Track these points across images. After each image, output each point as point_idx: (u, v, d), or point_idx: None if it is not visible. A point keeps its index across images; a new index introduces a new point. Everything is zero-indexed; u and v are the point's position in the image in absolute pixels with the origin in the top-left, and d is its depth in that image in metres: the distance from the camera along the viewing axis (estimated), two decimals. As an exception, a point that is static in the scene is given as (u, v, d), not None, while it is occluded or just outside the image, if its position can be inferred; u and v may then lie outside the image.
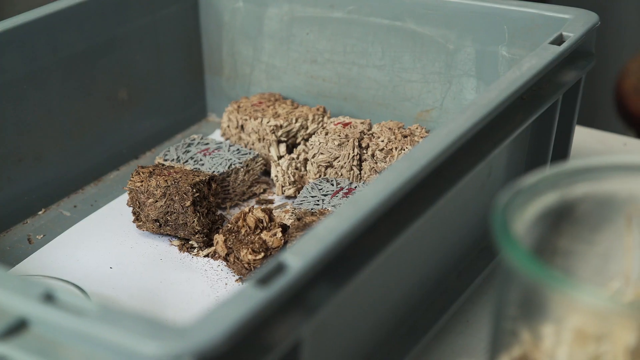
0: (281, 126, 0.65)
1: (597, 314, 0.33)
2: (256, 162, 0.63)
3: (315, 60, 0.68)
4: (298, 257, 0.36)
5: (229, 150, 0.64)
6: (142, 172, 0.59)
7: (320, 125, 0.65)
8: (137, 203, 0.58)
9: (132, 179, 0.58)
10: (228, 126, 0.67)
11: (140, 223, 0.58)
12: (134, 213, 0.58)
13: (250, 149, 0.66)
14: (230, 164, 0.62)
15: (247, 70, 0.71)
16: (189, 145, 0.65)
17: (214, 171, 0.61)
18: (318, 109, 0.66)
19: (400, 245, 0.42)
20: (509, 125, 0.49)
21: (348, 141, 0.60)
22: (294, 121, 0.65)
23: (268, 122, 0.64)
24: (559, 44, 0.53)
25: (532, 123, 0.54)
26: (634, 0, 1.41)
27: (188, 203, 0.56)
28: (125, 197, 0.62)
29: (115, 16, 0.65)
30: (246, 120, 0.65)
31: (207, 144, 0.65)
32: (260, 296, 0.35)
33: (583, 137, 0.72)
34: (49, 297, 0.35)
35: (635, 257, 0.37)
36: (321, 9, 0.66)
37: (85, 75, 0.64)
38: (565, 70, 0.55)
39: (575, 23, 0.56)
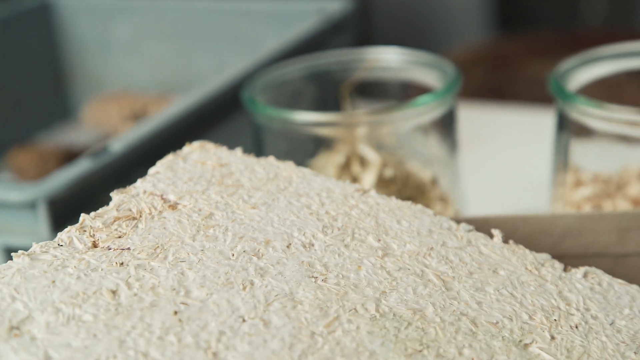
0: (132, 109, 0.82)
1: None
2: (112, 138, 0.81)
3: (156, 59, 0.86)
4: (119, 143, 0.54)
5: (89, 134, 0.81)
6: (25, 150, 0.75)
7: (162, 104, 0.83)
8: (20, 171, 0.74)
9: (14, 155, 0.75)
10: (89, 117, 0.84)
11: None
12: (16, 176, 0.75)
13: (108, 131, 0.83)
14: (92, 142, 0.79)
15: (101, 73, 0.89)
16: (59, 133, 0.82)
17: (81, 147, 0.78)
18: (160, 94, 0.84)
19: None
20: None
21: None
22: (141, 104, 0.82)
23: (121, 108, 0.82)
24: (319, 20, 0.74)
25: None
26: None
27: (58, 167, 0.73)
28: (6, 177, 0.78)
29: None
30: (102, 110, 0.83)
31: (74, 131, 0.82)
32: (90, 165, 0.51)
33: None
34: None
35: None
36: (156, 18, 0.85)
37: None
38: (333, 37, 0.75)
39: (336, 6, 0.76)
